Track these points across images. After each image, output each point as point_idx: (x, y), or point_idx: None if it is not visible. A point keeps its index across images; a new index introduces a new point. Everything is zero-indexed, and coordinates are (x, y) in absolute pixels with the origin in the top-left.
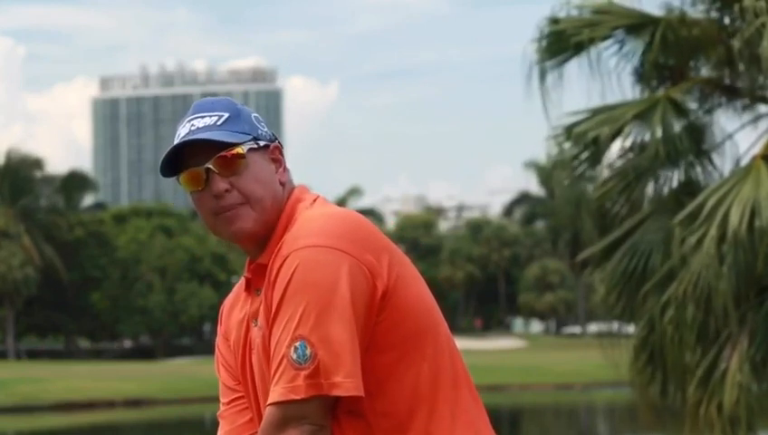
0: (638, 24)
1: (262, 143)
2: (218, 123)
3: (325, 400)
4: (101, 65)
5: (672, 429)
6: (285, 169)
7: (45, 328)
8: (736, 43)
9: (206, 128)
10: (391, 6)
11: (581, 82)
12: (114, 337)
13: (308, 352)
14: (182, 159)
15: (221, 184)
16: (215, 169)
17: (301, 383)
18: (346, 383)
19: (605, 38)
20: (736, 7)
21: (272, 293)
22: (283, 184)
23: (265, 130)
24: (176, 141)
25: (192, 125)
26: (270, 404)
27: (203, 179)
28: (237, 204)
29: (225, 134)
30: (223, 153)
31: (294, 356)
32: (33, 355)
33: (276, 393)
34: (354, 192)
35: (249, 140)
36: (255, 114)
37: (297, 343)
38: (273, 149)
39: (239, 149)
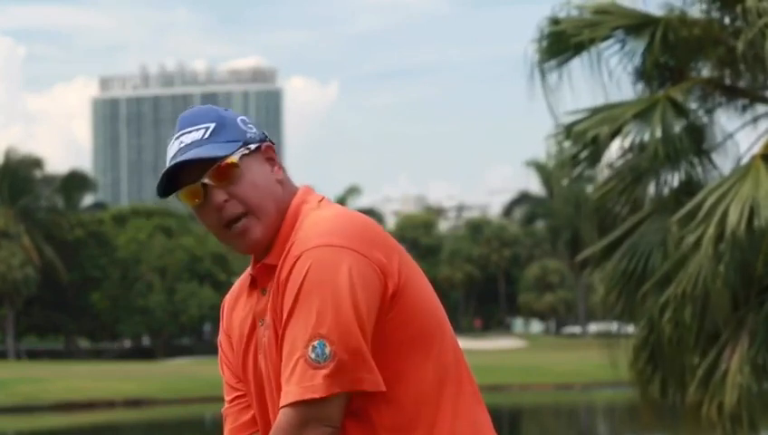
0: (638, 25)
1: (253, 146)
2: (206, 136)
3: (344, 398)
4: (101, 65)
5: (672, 428)
6: (281, 167)
7: (45, 328)
8: (740, 45)
9: (195, 143)
10: (391, 6)
11: (582, 82)
12: (114, 337)
13: (327, 350)
14: (178, 176)
15: (219, 196)
16: (211, 183)
17: (320, 382)
18: (369, 378)
19: (605, 38)
20: (738, 8)
21: (283, 293)
22: (280, 182)
23: (254, 131)
24: (168, 162)
25: (181, 142)
26: (286, 405)
27: (201, 194)
28: (240, 214)
29: (214, 147)
30: (216, 166)
31: (313, 355)
32: (33, 355)
33: (293, 393)
34: (353, 191)
35: (239, 148)
36: (242, 117)
37: (315, 342)
38: (265, 149)
39: (231, 159)
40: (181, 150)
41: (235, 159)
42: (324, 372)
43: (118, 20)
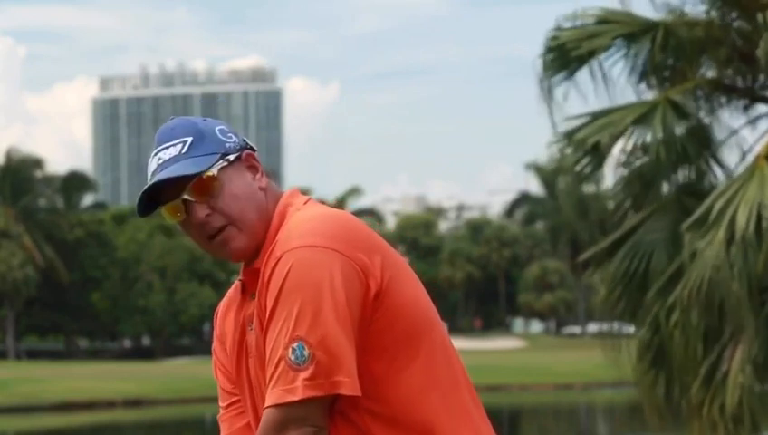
0: (638, 31)
1: (232, 157)
2: (183, 151)
3: (324, 400)
4: (101, 65)
5: (677, 430)
6: (263, 174)
7: (45, 328)
8: (761, 54)
9: (173, 159)
10: (391, 7)
11: (587, 93)
12: (114, 337)
13: (306, 353)
14: (158, 193)
15: (201, 211)
16: (191, 199)
17: (299, 385)
18: (346, 382)
19: (606, 48)
20: (759, 17)
21: (266, 294)
22: (263, 189)
23: (233, 140)
24: (148, 179)
25: (159, 159)
26: (268, 407)
27: (183, 209)
28: (222, 226)
29: (192, 162)
30: (194, 181)
31: (292, 357)
32: (33, 355)
33: (274, 395)
34: (354, 192)
35: (218, 160)
36: (221, 126)
37: (295, 344)
38: (246, 157)
39: (210, 173)
40: (160, 167)
41: (213, 172)
42: (304, 375)
43: (118, 20)
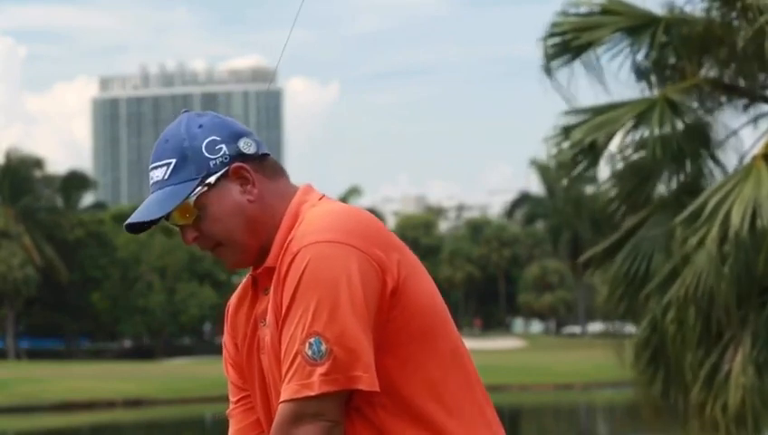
0: (639, 25)
1: (214, 179)
2: (165, 177)
3: (341, 395)
4: (101, 65)
5: (673, 428)
6: (256, 183)
7: (45, 328)
8: (739, 42)
9: (158, 184)
10: (391, 7)
11: (585, 84)
12: (114, 337)
13: (323, 347)
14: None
15: (189, 234)
16: (177, 224)
17: (315, 380)
18: (364, 377)
19: (606, 40)
20: (738, 5)
21: (282, 290)
22: (255, 200)
23: (222, 153)
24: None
25: (151, 178)
26: (284, 401)
27: (177, 229)
28: (212, 246)
29: (170, 192)
30: (176, 209)
31: (309, 352)
32: (33, 355)
33: (290, 390)
34: (354, 192)
35: (197, 186)
36: (212, 138)
37: (312, 340)
38: (234, 171)
39: (187, 203)
40: (151, 188)
41: (190, 202)
42: (321, 370)
43: (118, 20)
